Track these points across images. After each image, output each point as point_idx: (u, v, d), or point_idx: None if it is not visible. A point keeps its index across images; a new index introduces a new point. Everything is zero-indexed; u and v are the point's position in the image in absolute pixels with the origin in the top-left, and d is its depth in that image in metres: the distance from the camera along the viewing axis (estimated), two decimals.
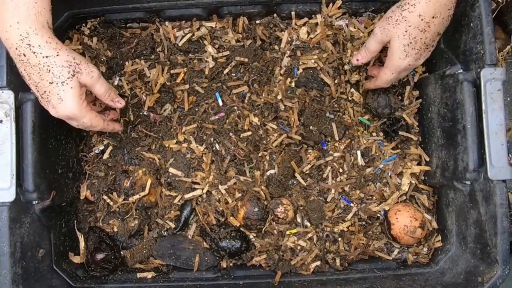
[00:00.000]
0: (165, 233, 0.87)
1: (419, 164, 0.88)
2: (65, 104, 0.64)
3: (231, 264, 0.86)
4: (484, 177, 0.72)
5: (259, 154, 0.87)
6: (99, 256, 0.82)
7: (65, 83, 0.63)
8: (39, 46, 0.61)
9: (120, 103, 0.73)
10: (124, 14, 0.85)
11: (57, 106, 0.65)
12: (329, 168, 0.87)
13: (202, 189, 0.86)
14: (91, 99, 0.77)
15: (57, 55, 0.62)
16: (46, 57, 0.62)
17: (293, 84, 0.88)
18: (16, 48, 0.61)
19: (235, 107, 0.87)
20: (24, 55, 0.61)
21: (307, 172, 0.87)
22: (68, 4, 0.81)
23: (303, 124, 0.87)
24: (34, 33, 0.61)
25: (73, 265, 0.83)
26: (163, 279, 0.84)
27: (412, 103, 0.89)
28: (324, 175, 0.87)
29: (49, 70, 0.62)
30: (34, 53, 0.61)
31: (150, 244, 0.85)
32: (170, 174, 0.86)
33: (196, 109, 0.88)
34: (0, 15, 0.60)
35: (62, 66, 0.63)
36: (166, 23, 0.87)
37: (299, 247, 0.86)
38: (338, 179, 0.87)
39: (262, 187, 0.85)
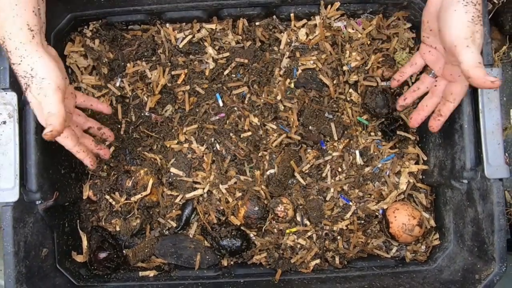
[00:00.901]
0: (167, 232, 0.87)
1: (417, 163, 0.88)
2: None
3: (232, 263, 0.86)
4: (481, 176, 0.72)
5: (259, 154, 0.87)
6: (102, 255, 0.82)
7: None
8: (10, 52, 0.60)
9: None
10: (125, 16, 0.85)
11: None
12: (328, 167, 0.87)
13: (203, 188, 0.86)
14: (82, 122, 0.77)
15: (19, 63, 0.60)
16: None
17: (292, 85, 0.88)
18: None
19: (235, 108, 0.87)
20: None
21: (307, 171, 0.87)
22: (70, 6, 0.81)
23: (303, 124, 0.87)
24: (8, 38, 0.59)
25: (76, 264, 0.83)
26: (165, 277, 0.84)
27: None
28: (323, 175, 0.87)
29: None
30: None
31: (152, 243, 0.85)
32: (172, 174, 0.86)
33: (197, 110, 0.88)
34: None
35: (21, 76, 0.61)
36: (167, 25, 0.87)
37: (299, 246, 0.86)
38: (337, 178, 0.87)
39: (262, 186, 0.85)
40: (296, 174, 0.86)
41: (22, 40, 0.60)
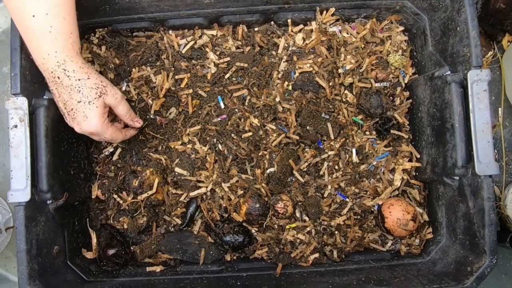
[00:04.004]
0: (172, 229, 0.87)
1: (410, 160, 0.88)
2: (89, 121, 0.66)
3: (234, 258, 0.86)
4: (472, 173, 0.72)
5: (260, 154, 0.86)
6: (111, 251, 0.82)
7: (92, 103, 0.66)
8: (73, 71, 0.64)
9: (138, 123, 0.76)
10: (130, 23, 0.85)
11: (82, 123, 0.66)
12: (325, 165, 0.87)
13: (206, 187, 0.85)
14: (112, 118, 0.77)
15: (88, 78, 0.65)
16: (79, 80, 0.64)
17: (290, 87, 0.87)
18: (52, 72, 0.63)
19: (236, 110, 0.86)
20: (59, 77, 0.64)
21: (305, 169, 0.87)
22: (77, 14, 0.80)
23: (300, 124, 0.86)
24: (70, 60, 0.64)
25: (86, 261, 0.83)
26: (171, 272, 0.84)
27: (403, 103, 0.88)
28: (321, 172, 0.87)
29: (79, 91, 0.65)
30: (68, 76, 0.64)
31: (158, 239, 0.85)
32: (176, 173, 0.86)
33: (200, 112, 0.87)
34: (38, 45, 0.62)
35: (91, 87, 0.65)
36: (170, 31, 0.87)
37: (298, 240, 0.85)
38: (334, 176, 0.87)
39: (263, 184, 0.84)
40: (295, 172, 0.85)
41: (82, 61, 0.65)
